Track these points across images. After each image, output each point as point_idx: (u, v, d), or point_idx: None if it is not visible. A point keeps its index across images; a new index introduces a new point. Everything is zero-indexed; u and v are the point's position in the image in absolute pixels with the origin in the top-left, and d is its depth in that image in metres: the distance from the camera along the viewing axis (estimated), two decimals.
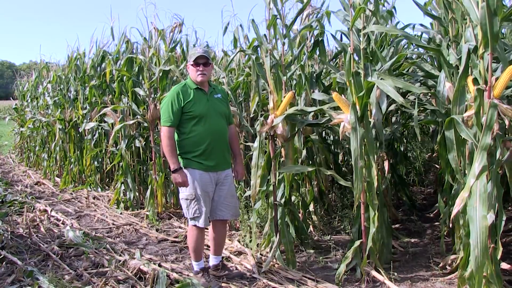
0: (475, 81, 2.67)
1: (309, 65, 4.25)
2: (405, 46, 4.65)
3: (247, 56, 5.07)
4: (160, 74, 5.28)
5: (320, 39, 3.77)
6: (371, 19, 3.21)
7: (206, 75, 3.22)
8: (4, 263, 3.72)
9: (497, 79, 2.55)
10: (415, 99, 4.09)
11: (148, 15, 5.46)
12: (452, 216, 2.59)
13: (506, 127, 2.59)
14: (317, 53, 3.96)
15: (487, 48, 2.49)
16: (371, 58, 3.33)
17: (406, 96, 4.29)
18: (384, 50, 3.90)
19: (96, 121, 6.71)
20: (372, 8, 3.08)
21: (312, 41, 3.93)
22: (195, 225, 3.22)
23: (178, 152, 3.22)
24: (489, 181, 2.49)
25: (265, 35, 3.76)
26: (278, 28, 3.60)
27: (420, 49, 4.33)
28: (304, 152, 4.23)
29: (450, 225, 3.03)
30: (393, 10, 4.04)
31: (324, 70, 4.67)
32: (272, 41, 3.68)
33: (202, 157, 3.16)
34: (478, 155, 2.44)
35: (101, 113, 6.02)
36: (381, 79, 2.96)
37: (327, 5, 3.87)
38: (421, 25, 3.88)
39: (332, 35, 3.72)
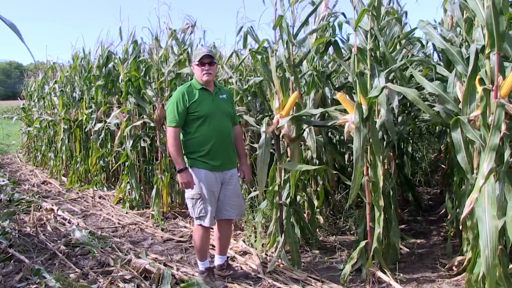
0: (481, 81, 2.65)
1: (319, 65, 4.24)
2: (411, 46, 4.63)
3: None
4: (171, 75, 5.28)
5: (333, 40, 3.77)
6: (380, 20, 3.20)
7: (211, 74, 3.22)
8: (12, 261, 3.76)
9: (504, 78, 2.52)
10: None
11: (160, 15, 5.46)
12: (462, 217, 2.57)
13: None
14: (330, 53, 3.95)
15: (493, 48, 2.47)
16: (380, 59, 3.32)
17: None
18: (394, 52, 3.88)
19: (102, 121, 6.75)
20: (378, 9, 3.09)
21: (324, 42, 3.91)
22: (200, 225, 3.22)
23: (183, 152, 3.23)
24: (496, 181, 2.47)
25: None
26: (286, 28, 3.59)
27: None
28: (309, 152, 4.22)
29: (461, 227, 3.01)
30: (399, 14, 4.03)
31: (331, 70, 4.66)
32: (279, 41, 3.67)
33: (207, 157, 3.16)
34: (486, 156, 2.41)
35: (112, 116, 6.01)
36: (389, 80, 2.94)
37: (337, 7, 3.79)
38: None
39: (340, 37, 3.72)
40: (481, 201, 2.40)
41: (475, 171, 2.85)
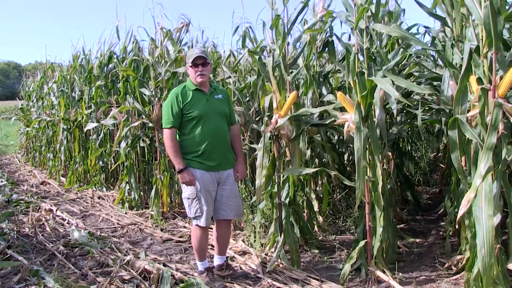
0: (479, 81, 2.66)
1: (316, 65, 4.23)
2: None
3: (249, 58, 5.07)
4: (167, 74, 5.28)
5: (330, 40, 3.77)
6: (375, 19, 3.20)
7: (205, 75, 3.22)
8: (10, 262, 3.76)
9: (501, 78, 2.53)
10: (420, 98, 4.07)
11: (155, 15, 5.47)
12: (458, 217, 2.57)
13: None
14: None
15: (491, 48, 2.47)
16: (374, 58, 3.32)
17: (411, 96, 4.27)
18: (392, 51, 3.88)
19: (100, 121, 6.74)
20: (374, 9, 3.08)
21: (321, 42, 3.91)
22: (197, 225, 3.23)
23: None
24: (494, 181, 2.47)
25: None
26: (281, 28, 3.59)
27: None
28: (308, 152, 4.21)
29: (457, 226, 3.01)
30: (397, 12, 4.01)
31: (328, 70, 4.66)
32: (277, 41, 3.67)
33: (202, 157, 3.17)
34: (483, 155, 2.42)
35: (110, 115, 5.99)
36: (383, 77, 2.95)
37: (332, 6, 3.81)
38: (425, 27, 3.86)
39: (336, 36, 3.71)
40: (478, 201, 2.41)
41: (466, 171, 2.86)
